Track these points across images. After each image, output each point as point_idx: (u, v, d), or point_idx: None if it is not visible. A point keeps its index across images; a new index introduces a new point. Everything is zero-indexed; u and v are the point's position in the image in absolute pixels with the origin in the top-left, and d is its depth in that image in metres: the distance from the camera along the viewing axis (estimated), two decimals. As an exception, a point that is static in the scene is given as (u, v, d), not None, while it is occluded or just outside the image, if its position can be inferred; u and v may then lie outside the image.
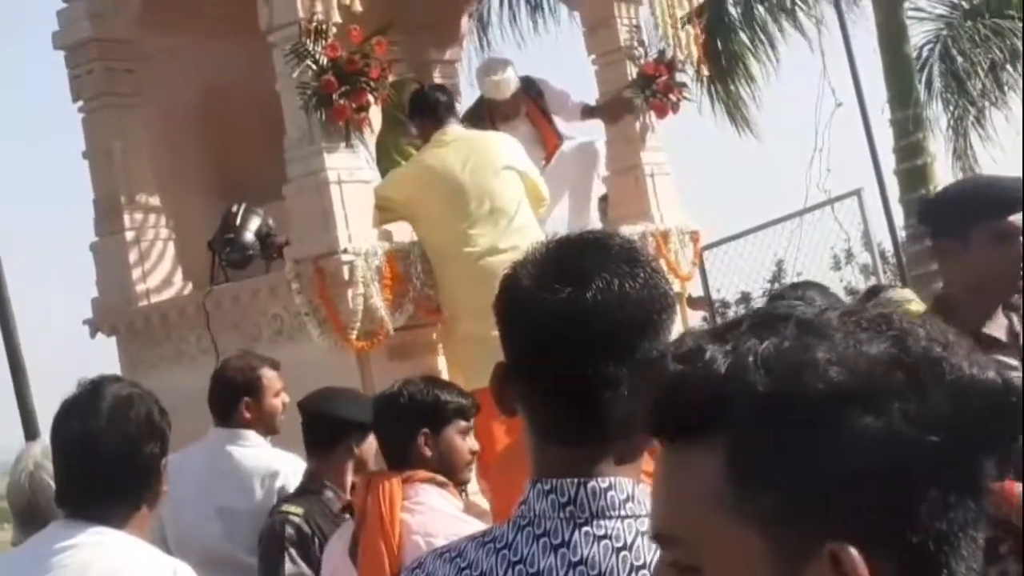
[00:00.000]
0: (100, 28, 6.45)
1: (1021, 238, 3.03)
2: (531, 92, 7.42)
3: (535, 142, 7.18)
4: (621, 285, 1.50)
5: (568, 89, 7.54)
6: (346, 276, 5.57)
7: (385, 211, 5.95)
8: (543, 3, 13.67)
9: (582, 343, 1.50)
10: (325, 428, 4.11)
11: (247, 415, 4.45)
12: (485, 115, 7.23)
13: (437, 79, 7.90)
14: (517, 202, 5.97)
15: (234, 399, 4.48)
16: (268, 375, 4.52)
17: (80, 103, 6.55)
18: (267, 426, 4.52)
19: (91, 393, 2.65)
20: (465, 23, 8.36)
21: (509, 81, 7.24)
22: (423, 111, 6.17)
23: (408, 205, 5.94)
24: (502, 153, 6.09)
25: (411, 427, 3.61)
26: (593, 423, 1.52)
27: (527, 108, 7.34)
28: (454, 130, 6.10)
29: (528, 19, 13.88)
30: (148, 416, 2.62)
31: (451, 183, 5.85)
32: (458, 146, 5.98)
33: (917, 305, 4.13)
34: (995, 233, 3.03)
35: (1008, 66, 15.17)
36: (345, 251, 5.60)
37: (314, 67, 5.61)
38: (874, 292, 4.76)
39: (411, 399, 3.62)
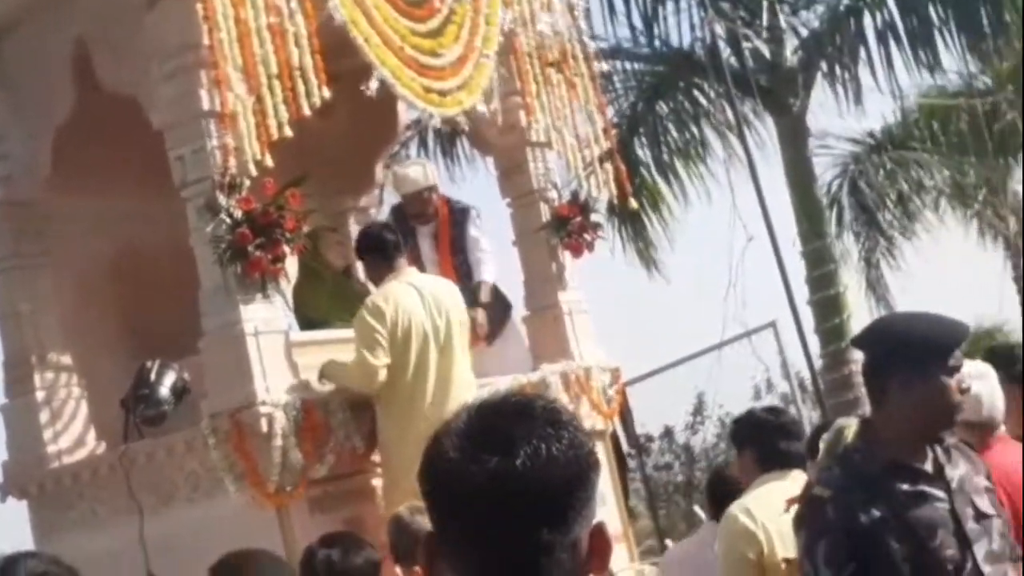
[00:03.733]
0: (8, 191, 6.42)
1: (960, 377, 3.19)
2: (455, 215, 7.38)
3: (431, 261, 7.19)
4: (548, 449, 1.50)
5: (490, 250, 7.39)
6: (264, 428, 5.50)
7: (379, 359, 5.74)
8: (457, 150, 13.86)
9: (514, 512, 1.49)
10: None
11: None
12: (404, 216, 7.26)
13: (353, 227, 7.95)
14: (464, 356, 6.00)
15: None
16: None
17: (-11, 265, 6.47)
18: None
19: (2, 572, 2.56)
20: (380, 170, 8.43)
21: (406, 178, 7.33)
22: (372, 250, 6.12)
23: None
24: (457, 303, 6.08)
25: None
26: None
27: (440, 229, 7.34)
28: (409, 270, 6.11)
29: (443, 164, 14.05)
30: None
31: (417, 326, 5.82)
32: (418, 288, 5.94)
33: None
34: (947, 372, 3.15)
35: (915, 197, 15.62)
36: (263, 403, 5.53)
37: (228, 220, 5.61)
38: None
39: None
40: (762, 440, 4.47)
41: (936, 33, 12.76)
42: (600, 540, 1.54)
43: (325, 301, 6.84)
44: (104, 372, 6.49)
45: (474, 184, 14.39)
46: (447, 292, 6.12)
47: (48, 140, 6.34)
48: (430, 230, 7.35)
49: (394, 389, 5.79)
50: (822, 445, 4.22)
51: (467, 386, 5.85)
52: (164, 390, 6.03)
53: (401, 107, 7.68)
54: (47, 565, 2.61)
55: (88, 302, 6.61)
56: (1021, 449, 4.06)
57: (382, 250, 6.07)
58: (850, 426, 4.12)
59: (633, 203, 8.07)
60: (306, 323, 6.70)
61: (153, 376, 6.03)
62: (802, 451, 4.46)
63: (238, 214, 5.61)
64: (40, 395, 6.31)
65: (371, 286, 6.36)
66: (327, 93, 5.85)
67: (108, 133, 6.33)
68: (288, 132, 5.73)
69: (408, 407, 5.71)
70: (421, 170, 7.53)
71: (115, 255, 6.74)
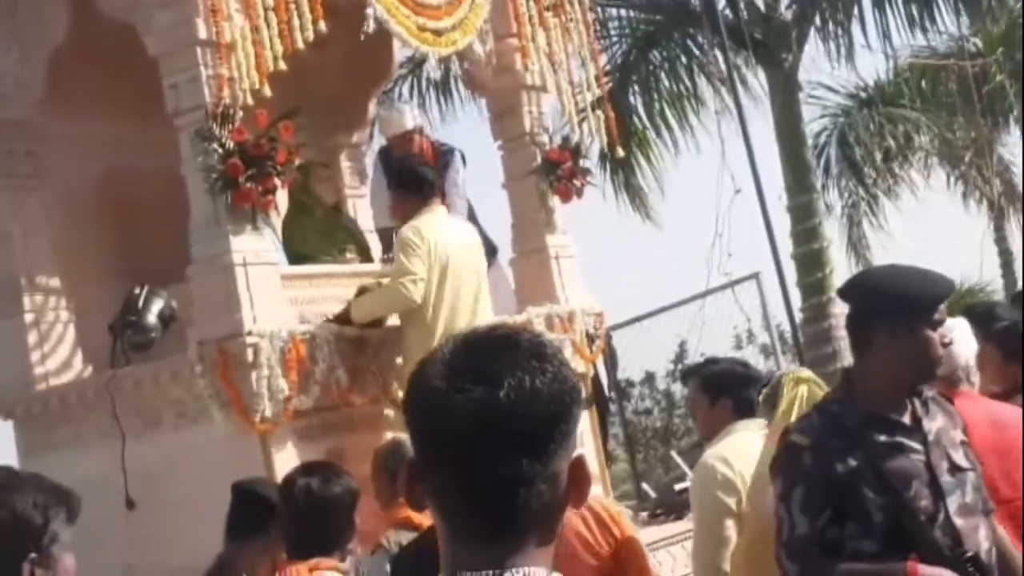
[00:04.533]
0: (1, 110, 6.39)
1: (943, 331, 3.25)
2: (441, 157, 7.46)
3: None
4: (532, 382, 1.51)
5: (467, 195, 7.52)
6: (250, 358, 5.53)
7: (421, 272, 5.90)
8: (451, 89, 13.81)
9: (496, 443, 1.50)
10: (256, 510, 4.09)
11: None
12: (390, 158, 7.33)
13: (344, 163, 7.95)
14: (488, 299, 6.16)
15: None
16: None
17: (-21, 185, 6.45)
18: None
19: None
20: (373, 108, 8.42)
21: (390, 119, 7.53)
22: (410, 186, 6.23)
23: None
24: (480, 247, 6.28)
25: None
26: (508, 520, 1.51)
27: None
28: (441, 208, 6.27)
29: (437, 104, 14.02)
30: (12, 511, 2.55)
31: (454, 262, 5.99)
32: (451, 227, 6.14)
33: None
34: (931, 326, 3.20)
35: (901, 155, 15.66)
36: (250, 333, 5.55)
37: (220, 150, 5.61)
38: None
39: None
40: (740, 390, 4.54)
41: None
42: (580, 472, 1.55)
43: (314, 236, 6.85)
44: (93, 296, 6.49)
45: (467, 125, 14.38)
46: (472, 235, 6.32)
47: (43, 61, 6.30)
48: None
49: (429, 318, 5.92)
50: (760, 397, 4.30)
51: None
52: (152, 317, 6.06)
53: (396, 45, 7.65)
54: (5, 479, 2.64)
55: (78, 226, 6.60)
56: (984, 405, 4.12)
57: (419, 187, 6.18)
58: (788, 375, 4.19)
59: (621, 151, 8.08)
60: (295, 257, 6.72)
61: (141, 302, 6.05)
62: None
63: (230, 144, 5.61)
64: (28, 317, 6.31)
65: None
66: (323, 27, 5.84)
67: (103, 57, 6.29)
68: (283, 65, 5.71)
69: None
70: (406, 113, 7.57)
71: (106, 179, 6.72)
